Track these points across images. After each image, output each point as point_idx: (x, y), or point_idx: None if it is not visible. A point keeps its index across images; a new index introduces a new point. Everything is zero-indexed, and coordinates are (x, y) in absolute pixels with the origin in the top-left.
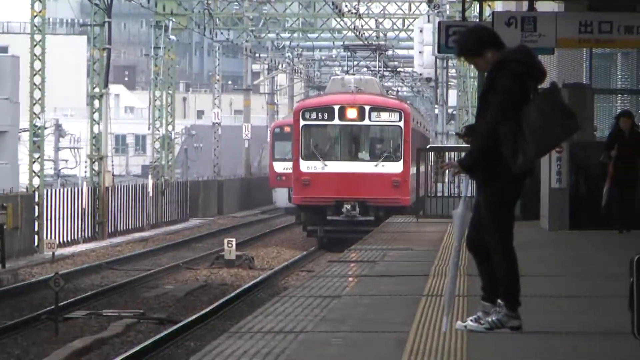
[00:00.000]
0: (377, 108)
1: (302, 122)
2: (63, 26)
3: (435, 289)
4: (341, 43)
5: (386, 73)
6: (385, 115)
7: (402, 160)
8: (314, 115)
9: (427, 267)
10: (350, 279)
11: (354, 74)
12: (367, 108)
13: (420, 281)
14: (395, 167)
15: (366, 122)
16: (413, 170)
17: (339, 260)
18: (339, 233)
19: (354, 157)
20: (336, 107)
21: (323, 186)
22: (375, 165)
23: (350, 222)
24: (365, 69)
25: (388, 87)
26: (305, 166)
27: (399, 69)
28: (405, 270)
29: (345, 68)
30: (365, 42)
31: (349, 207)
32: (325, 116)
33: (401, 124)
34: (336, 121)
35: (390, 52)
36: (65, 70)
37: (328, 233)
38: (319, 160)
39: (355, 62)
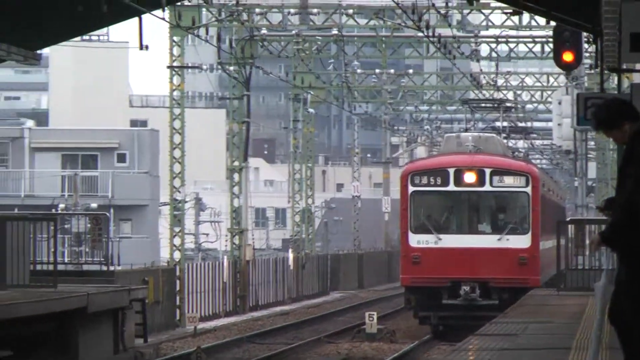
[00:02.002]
0: (499, 171)
1: (410, 188)
2: (202, 100)
3: None
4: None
5: (525, 145)
6: (509, 180)
7: (530, 232)
8: (424, 179)
9: (568, 340)
10: (493, 352)
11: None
12: (487, 171)
13: (562, 354)
14: (522, 241)
15: (486, 187)
16: (545, 244)
17: (480, 333)
18: (456, 320)
19: (473, 230)
20: (451, 170)
21: (436, 264)
22: (499, 239)
23: (470, 306)
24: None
25: (514, 148)
26: (416, 240)
27: (537, 141)
28: (547, 343)
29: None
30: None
31: (467, 288)
32: (439, 181)
33: (528, 189)
34: (451, 187)
35: (529, 124)
36: (204, 144)
37: (443, 320)
38: (432, 233)
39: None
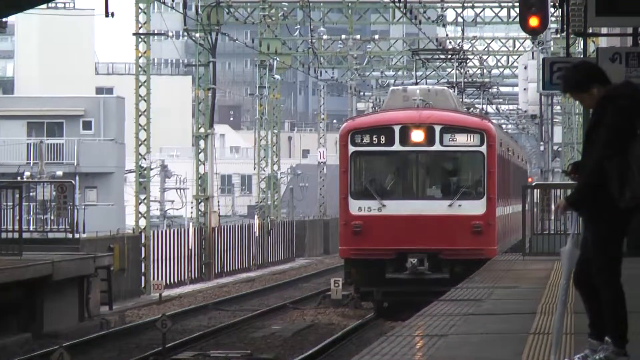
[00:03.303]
0: (451, 128)
1: (351, 148)
2: (168, 66)
3: (542, 327)
4: (445, 80)
5: (491, 110)
6: (461, 138)
7: (485, 197)
8: (367, 138)
9: (534, 305)
10: (457, 317)
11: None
12: (437, 128)
13: (528, 319)
14: (476, 207)
15: (437, 146)
16: (504, 210)
17: (445, 299)
18: (402, 296)
19: (421, 195)
20: (396, 128)
21: (380, 234)
22: (450, 205)
23: (418, 281)
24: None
25: (470, 104)
26: (356, 207)
27: (503, 105)
28: (513, 308)
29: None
30: (470, 80)
31: (414, 261)
32: (383, 140)
33: (483, 148)
34: (397, 146)
35: (494, 90)
36: (170, 111)
37: (388, 296)
38: (375, 199)
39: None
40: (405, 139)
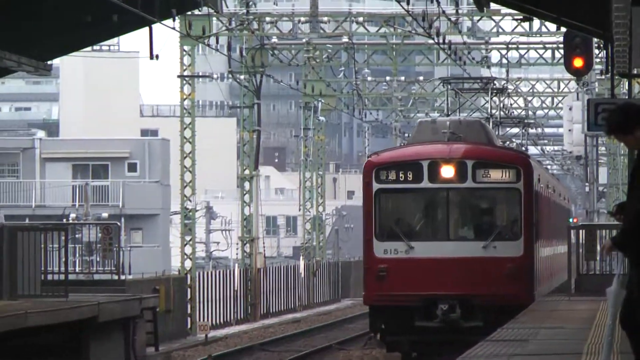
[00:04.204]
0: (483, 163)
1: (375, 186)
2: (212, 109)
3: None
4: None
5: (535, 150)
6: (496, 174)
7: (522, 238)
8: (392, 175)
9: (580, 345)
10: (503, 357)
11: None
12: (469, 163)
13: None
14: (512, 249)
15: (469, 183)
16: (544, 252)
17: (490, 339)
18: (432, 345)
19: (452, 236)
20: (424, 163)
21: (407, 278)
22: (484, 247)
23: (449, 329)
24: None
25: (506, 137)
26: (382, 249)
27: (548, 147)
28: (558, 349)
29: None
30: (510, 116)
31: (445, 307)
32: (410, 176)
33: (520, 185)
34: (425, 183)
35: (538, 130)
36: (215, 153)
37: (416, 346)
38: (402, 240)
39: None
40: (434, 175)
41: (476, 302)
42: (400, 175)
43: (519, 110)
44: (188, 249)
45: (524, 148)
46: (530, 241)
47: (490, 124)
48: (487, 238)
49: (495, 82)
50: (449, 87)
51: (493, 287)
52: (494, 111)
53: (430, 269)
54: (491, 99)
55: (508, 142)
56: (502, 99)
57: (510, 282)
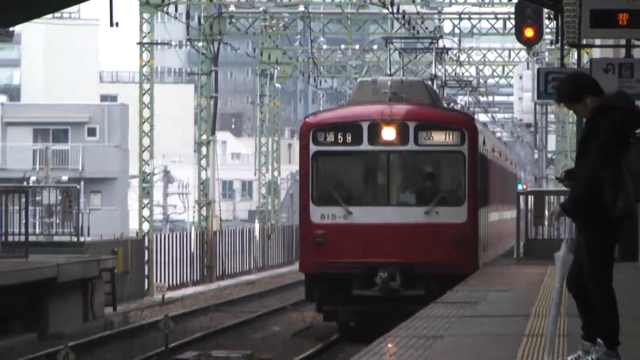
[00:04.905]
0: (427, 124)
1: (313, 148)
2: (171, 75)
3: (536, 329)
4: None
5: (486, 118)
6: (439, 136)
7: (465, 203)
8: (331, 137)
9: (528, 307)
10: (453, 319)
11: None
12: (411, 125)
13: (522, 321)
14: (456, 215)
15: (411, 146)
16: (490, 217)
17: (441, 301)
18: (370, 315)
19: (393, 201)
20: (364, 125)
21: (346, 245)
22: (426, 212)
23: (388, 298)
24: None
25: (450, 99)
26: (319, 215)
27: (498, 114)
28: (507, 311)
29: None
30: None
31: (384, 275)
32: (349, 138)
33: (464, 148)
34: (365, 145)
35: (489, 98)
36: (173, 118)
37: (354, 315)
38: (340, 205)
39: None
40: (374, 137)
41: (417, 270)
42: (339, 137)
43: (470, 78)
44: (146, 212)
45: (470, 111)
46: (475, 207)
47: (435, 85)
48: (429, 203)
49: (439, 41)
50: (392, 46)
51: (435, 255)
52: (438, 73)
53: (369, 235)
54: (435, 59)
55: (453, 104)
56: (446, 58)
57: (453, 249)
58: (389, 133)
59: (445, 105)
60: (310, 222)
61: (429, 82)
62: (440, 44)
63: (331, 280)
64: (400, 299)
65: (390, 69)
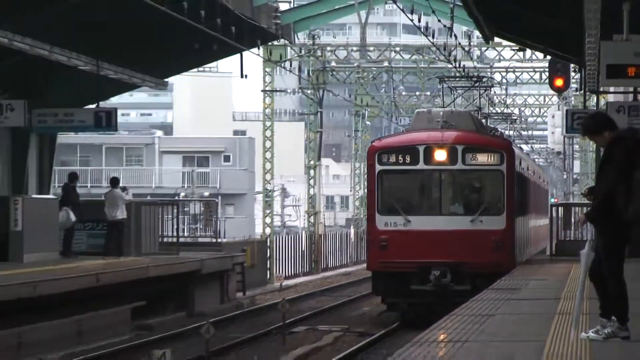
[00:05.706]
0: (472, 148)
1: (378, 167)
2: (287, 115)
3: (565, 309)
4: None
5: (526, 147)
6: (482, 157)
7: (504, 213)
8: (392, 158)
9: (558, 293)
10: (501, 301)
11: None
12: (459, 148)
13: (554, 303)
14: (496, 223)
15: (458, 165)
16: (525, 225)
17: (492, 288)
18: (425, 306)
19: (444, 211)
20: (420, 148)
21: (405, 248)
22: (471, 221)
23: (440, 292)
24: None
25: (493, 128)
26: (383, 223)
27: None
28: (543, 295)
29: None
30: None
31: (437, 273)
32: (408, 159)
33: (503, 167)
34: (421, 165)
35: (529, 132)
36: (288, 148)
37: (413, 307)
38: (400, 215)
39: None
40: (429, 158)
41: (464, 268)
42: (400, 158)
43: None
44: (268, 220)
45: (516, 142)
46: (512, 216)
47: (480, 115)
48: (474, 213)
49: (483, 79)
50: (444, 84)
51: (479, 256)
52: (482, 106)
53: (425, 239)
54: (480, 95)
55: (494, 132)
56: (489, 94)
57: (494, 251)
58: (441, 155)
59: (487, 131)
60: (376, 229)
61: (475, 113)
62: (484, 80)
63: (393, 277)
64: (450, 293)
65: (443, 101)
